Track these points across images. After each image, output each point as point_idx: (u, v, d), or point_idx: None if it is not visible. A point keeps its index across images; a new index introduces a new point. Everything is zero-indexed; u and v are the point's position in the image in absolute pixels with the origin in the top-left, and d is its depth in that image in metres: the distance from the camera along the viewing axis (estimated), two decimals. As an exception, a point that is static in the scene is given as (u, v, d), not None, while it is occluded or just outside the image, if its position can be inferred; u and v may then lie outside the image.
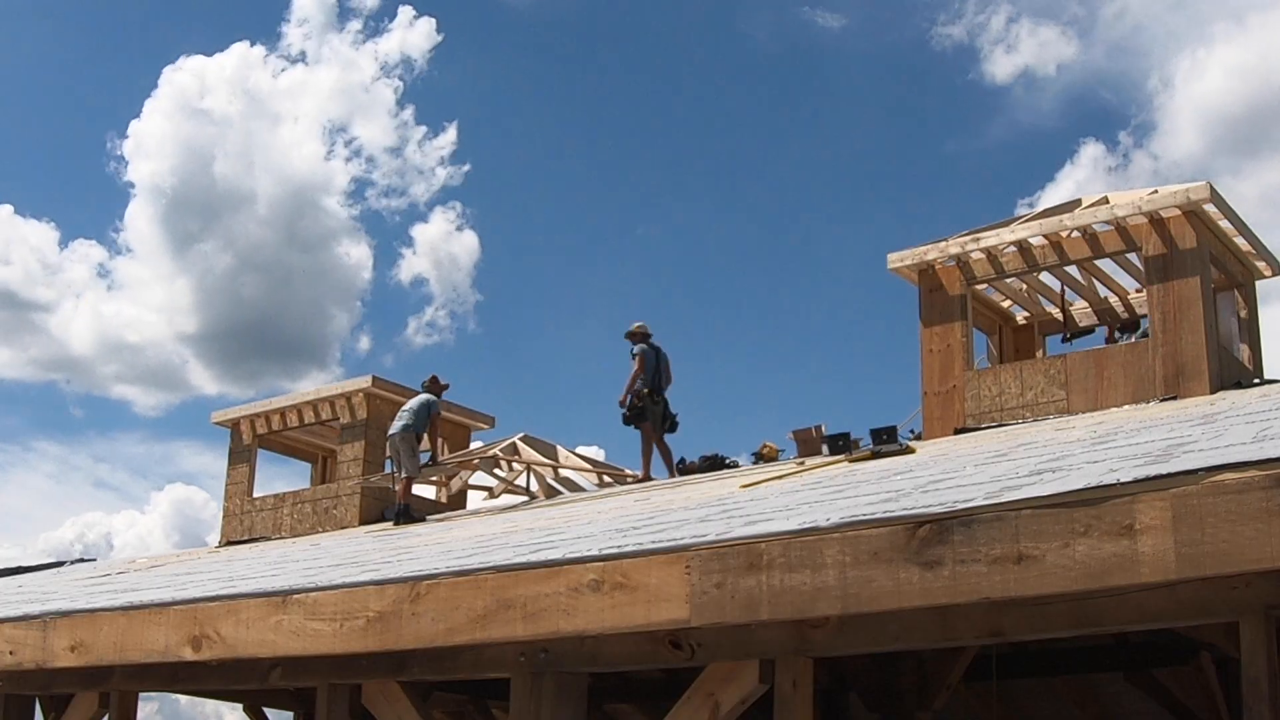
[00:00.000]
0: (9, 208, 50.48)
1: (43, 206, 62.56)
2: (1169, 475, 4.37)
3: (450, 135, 50.20)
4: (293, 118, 48.68)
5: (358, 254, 49.67)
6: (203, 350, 49.21)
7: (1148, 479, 4.39)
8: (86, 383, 50.94)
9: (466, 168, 50.58)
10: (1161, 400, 11.55)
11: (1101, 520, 4.39)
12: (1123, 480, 4.46)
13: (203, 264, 46.00)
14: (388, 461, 16.23)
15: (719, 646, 5.62)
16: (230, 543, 17.39)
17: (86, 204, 54.45)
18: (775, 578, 5.03)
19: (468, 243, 50.60)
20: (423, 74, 50.02)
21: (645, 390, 15.02)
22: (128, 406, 55.04)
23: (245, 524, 17.68)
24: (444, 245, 49.96)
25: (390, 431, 15.59)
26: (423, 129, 54.93)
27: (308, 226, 46.98)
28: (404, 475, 15.40)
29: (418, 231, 53.06)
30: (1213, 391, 11.43)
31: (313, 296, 48.09)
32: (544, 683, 6.17)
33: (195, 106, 45.27)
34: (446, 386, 16.18)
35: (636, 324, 15.41)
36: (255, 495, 17.90)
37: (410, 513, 15.20)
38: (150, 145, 47.03)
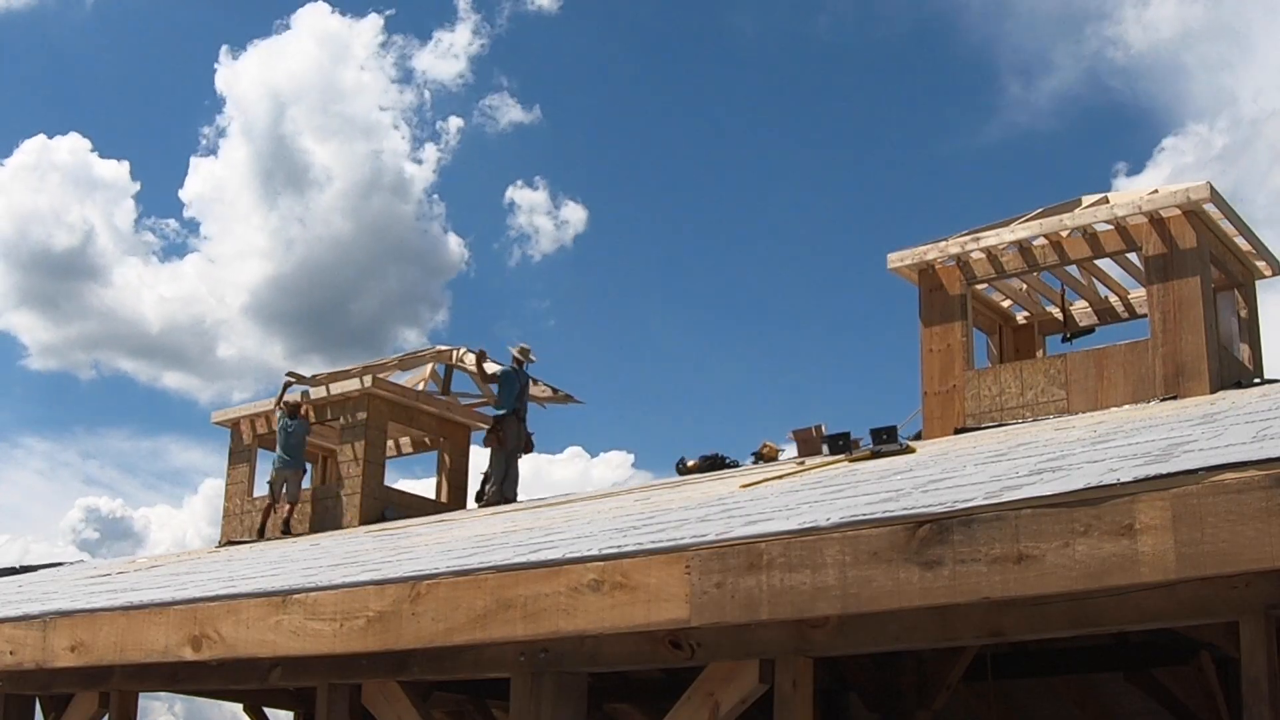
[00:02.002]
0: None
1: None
2: (1169, 475, 4.37)
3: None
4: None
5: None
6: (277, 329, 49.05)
7: (1148, 479, 4.39)
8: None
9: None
10: (1161, 400, 11.55)
11: (1101, 520, 4.38)
12: (1123, 480, 4.46)
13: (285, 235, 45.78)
14: (268, 485, 17.40)
15: (719, 646, 5.62)
16: (230, 543, 17.39)
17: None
18: (775, 578, 5.03)
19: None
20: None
21: (506, 412, 16.09)
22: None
23: (245, 524, 17.68)
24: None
25: (277, 469, 17.02)
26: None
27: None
28: (288, 502, 16.96)
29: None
30: (1213, 391, 11.43)
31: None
32: (544, 683, 6.17)
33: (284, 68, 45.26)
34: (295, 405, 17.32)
35: (520, 346, 16.46)
36: (255, 495, 17.92)
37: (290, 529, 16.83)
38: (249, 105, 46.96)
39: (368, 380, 17.07)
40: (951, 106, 50.63)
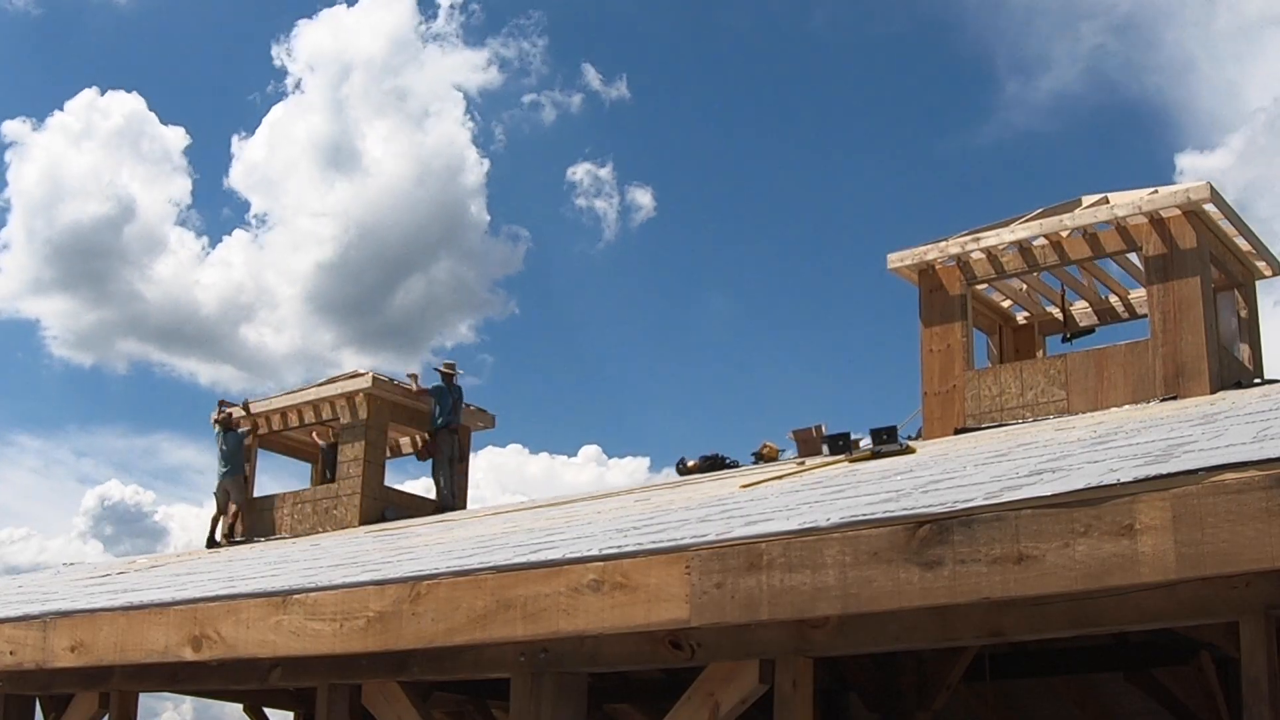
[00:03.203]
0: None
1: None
2: (1169, 475, 4.37)
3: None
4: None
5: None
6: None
7: (1148, 479, 4.39)
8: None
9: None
10: (1161, 400, 11.55)
11: (1101, 520, 4.39)
12: (1123, 480, 4.46)
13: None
14: (214, 496, 18.02)
15: (719, 646, 5.62)
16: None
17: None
18: (775, 578, 5.03)
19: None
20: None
21: (439, 426, 17.01)
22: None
23: (245, 524, 17.69)
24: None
25: (220, 480, 17.66)
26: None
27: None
28: (234, 507, 17.62)
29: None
30: (1213, 391, 11.43)
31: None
32: (544, 683, 6.17)
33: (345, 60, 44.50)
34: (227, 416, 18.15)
35: (445, 363, 17.79)
36: (255, 495, 17.94)
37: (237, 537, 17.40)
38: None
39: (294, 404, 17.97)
40: (951, 106, 50.66)
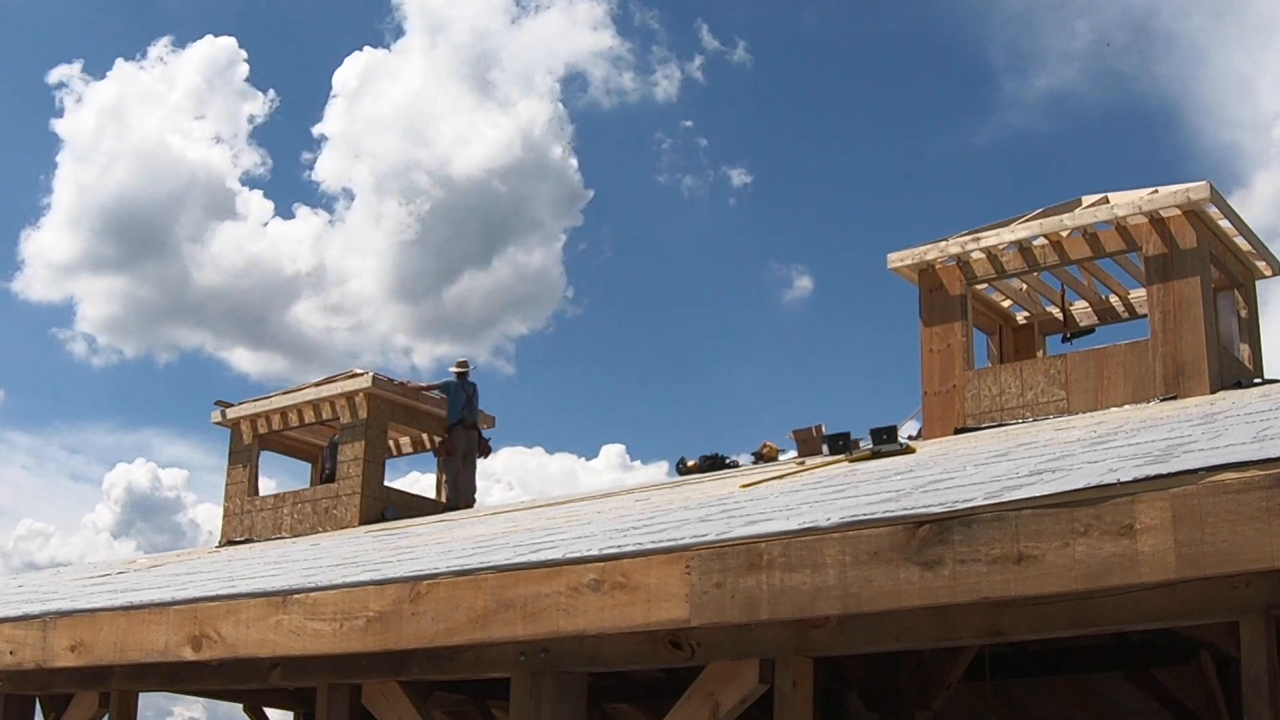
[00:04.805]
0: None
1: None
2: (1169, 475, 4.37)
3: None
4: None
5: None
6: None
7: (1148, 479, 4.40)
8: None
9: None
10: (1161, 400, 11.56)
11: (1101, 520, 4.39)
12: (1123, 480, 4.46)
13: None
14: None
15: (719, 646, 5.62)
16: (230, 542, 17.41)
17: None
18: (775, 578, 5.03)
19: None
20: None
21: (454, 423, 17.36)
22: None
23: (245, 524, 17.69)
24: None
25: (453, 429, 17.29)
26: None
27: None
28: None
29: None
30: (1213, 391, 11.43)
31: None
32: (544, 682, 6.17)
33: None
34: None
35: (459, 360, 17.86)
36: (257, 495, 17.94)
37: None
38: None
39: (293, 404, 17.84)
40: (950, 105, 50.66)
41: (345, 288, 47.34)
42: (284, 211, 51.15)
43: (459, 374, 17.82)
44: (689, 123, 52.03)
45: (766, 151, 51.57)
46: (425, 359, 47.13)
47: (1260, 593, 4.47)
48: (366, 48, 54.42)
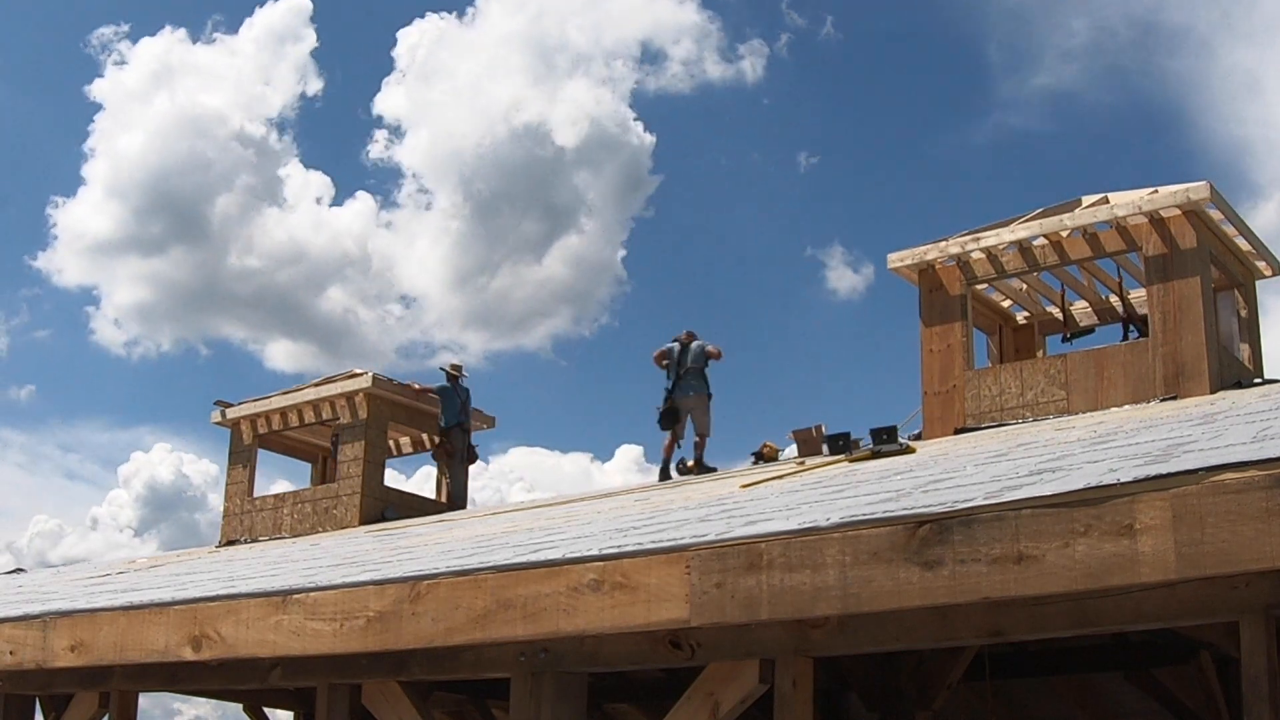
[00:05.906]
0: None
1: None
2: (1169, 475, 4.37)
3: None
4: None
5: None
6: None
7: (1148, 479, 4.39)
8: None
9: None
10: (1161, 400, 11.56)
11: (1101, 520, 4.38)
12: (1123, 480, 4.46)
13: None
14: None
15: (719, 646, 5.62)
16: (230, 542, 17.41)
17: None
18: (775, 578, 5.03)
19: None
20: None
21: (449, 426, 17.48)
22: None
23: (245, 524, 17.69)
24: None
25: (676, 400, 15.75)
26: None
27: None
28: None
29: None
30: (1213, 391, 11.43)
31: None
32: (544, 682, 6.17)
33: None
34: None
35: (452, 364, 17.97)
36: (255, 495, 17.94)
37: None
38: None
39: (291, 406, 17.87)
40: (950, 104, 50.64)
41: (394, 274, 46.41)
42: (338, 196, 49.97)
43: (452, 376, 17.89)
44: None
45: (767, 151, 51.57)
46: (473, 354, 46.46)
47: (1260, 593, 4.47)
48: (429, 15, 52.91)
